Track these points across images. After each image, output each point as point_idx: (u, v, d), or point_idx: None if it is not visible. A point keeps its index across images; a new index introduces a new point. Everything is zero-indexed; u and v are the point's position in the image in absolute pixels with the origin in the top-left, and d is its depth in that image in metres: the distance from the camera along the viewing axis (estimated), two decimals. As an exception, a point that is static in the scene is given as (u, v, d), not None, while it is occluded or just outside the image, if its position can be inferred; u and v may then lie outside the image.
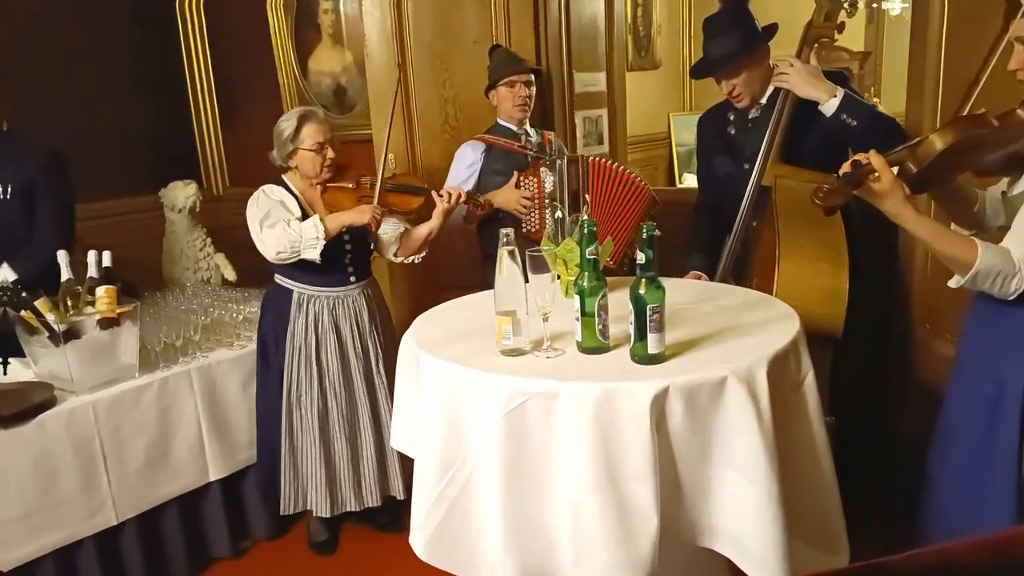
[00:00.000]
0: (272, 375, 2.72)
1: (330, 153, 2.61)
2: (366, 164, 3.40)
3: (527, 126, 2.97)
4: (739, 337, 1.73)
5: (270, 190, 2.62)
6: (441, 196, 2.64)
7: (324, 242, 2.48)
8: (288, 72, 4.06)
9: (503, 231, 1.70)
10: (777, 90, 2.42)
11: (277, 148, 2.63)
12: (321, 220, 2.51)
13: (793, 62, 2.34)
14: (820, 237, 2.22)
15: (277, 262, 2.55)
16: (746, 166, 2.47)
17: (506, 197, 2.81)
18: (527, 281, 1.72)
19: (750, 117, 2.52)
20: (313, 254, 2.49)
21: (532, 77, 2.93)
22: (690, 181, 5.55)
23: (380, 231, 2.69)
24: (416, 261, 2.79)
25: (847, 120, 2.24)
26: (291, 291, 2.68)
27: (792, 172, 2.36)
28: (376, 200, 2.61)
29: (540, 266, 1.71)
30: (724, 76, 2.45)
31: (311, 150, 2.58)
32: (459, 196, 2.64)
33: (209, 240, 3.77)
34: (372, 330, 2.74)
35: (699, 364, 1.59)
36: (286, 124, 2.59)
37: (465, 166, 2.93)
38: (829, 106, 2.27)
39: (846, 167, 1.75)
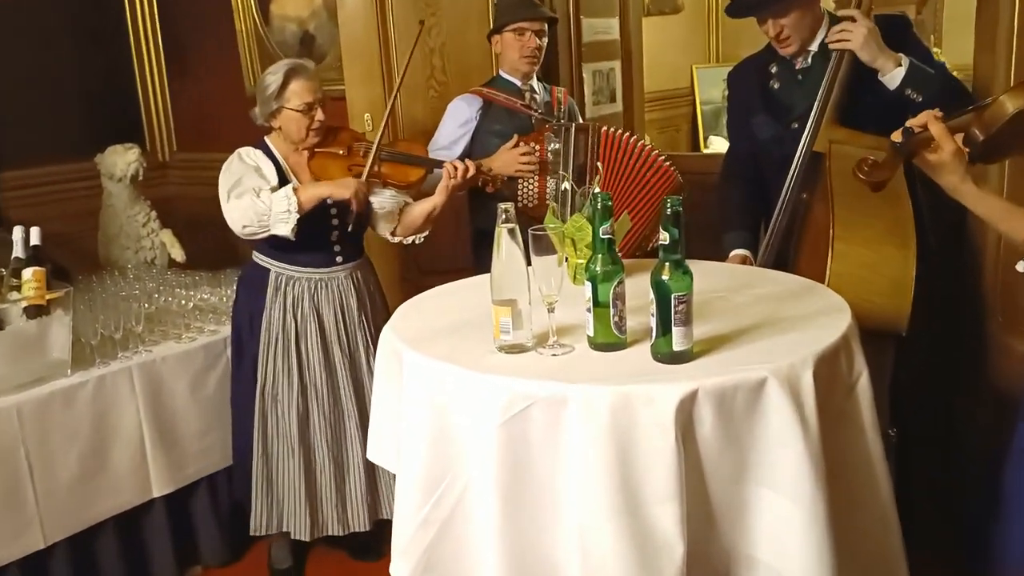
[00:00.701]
0: (245, 366, 2.73)
1: (319, 115, 2.61)
2: (339, 124, 3.38)
3: (533, 81, 2.95)
4: (781, 332, 1.72)
5: (246, 154, 2.62)
6: (448, 169, 2.64)
7: (297, 216, 2.47)
8: (246, 17, 4.04)
9: (502, 206, 1.68)
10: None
11: (260, 105, 2.63)
12: (295, 191, 2.50)
13: (857, 17, 2.31)
14: (884, 215, 2.20)
15: (245, 237, 2.56)
16: (794, 126, 2.45)
17: (503, 160, 2.79)
18: (529, 264, 1.70)
19: (798, 68, 2.50)
20: (284, 230, 2.49)
21: (546, 26, 2.91)
22: (718, 146, 5.53)
23: (377, 204, 2.70)
24: (417, 241, 2.80)
25: (911, 95, 2.24)
26: (268, 270, 2.69)
27: (850, 136, 2.34)
28: (367, 171, 2.61)
29: (545, 247, 1.69)
30: (771, 15, 2.41)
31: (297, 110, 2.58)
32: (466, 170, 2.64)
33: (154, 214, 3.74)
34: (361, 320, 2.74)
35: (733, 363, 1.58)
36: (271, 78, 2.59)
37: (458, 123, 2.91)
38: (892, 77, 2.26)
39: (897, 135, 1.73)
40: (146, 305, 2.96)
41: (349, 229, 2.66)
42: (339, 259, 2.71)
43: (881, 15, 2.36)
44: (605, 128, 2.76)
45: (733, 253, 2.53)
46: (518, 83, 2.91)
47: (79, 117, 4.03)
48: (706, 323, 1.75)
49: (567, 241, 2.00)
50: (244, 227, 2.50)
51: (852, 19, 2.32)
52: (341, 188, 2.55)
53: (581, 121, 3.01)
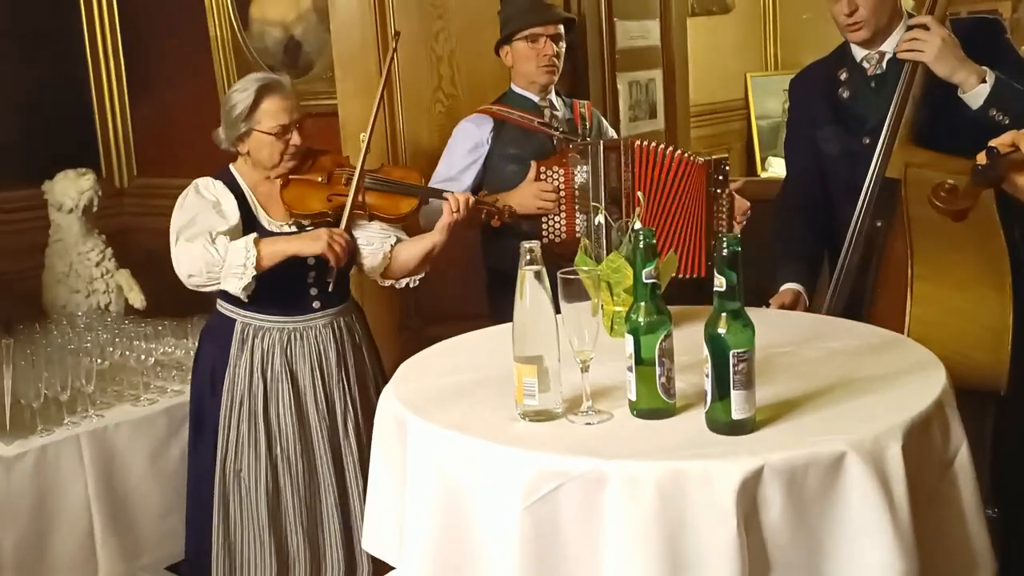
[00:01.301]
0: (207, 437, 2.73)
1: (295, 139, 2.64)
2: (329, 146, 3.41)
3: (552, 95, 2.98)
4: (861, 396, 1.72)
5: (205, 187, 2.65)
6: (450, 203, 2.66)
7: (254, 273, 2.48)
8: (222, 20, 4.10)
9: (526, 245, 1.69)
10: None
11: (225, 126, 2.67)
12: (256, 243, 2.51)
13: (931, 25, 2.34)
14: (975, 250, 2.21)
15: (192, 288, 2.57)
16: (866, 141, 2.49)
17: (522, 196, 2.81)
18: (558, 313, 1.71)
19: (871, 74, 2.53)
20: (235, 286, 2.50)
21: (562, 29, 2.94)
22: (778, 168, 5.55)
23: (363, 240, 2.72)
24: (412, 285, 2.82)
25: (997, 116, 2.26)
26: (232, 320, 2.70)
27: (931, 159, 2.36)
28: (350, 202, 2.62)
29: (576, 293, 1.70)
30: None
31: (270, 133, 2.62)
32: (467, 202, 2.66)
33: (109, 252, 3.78)
34: (341, 377, 2.74)
35: (805, 435, 1.58)
36: (239, 96, 2.63)
37: (465, 149, 2.95)
38: (974, 95, 2.28)
39: (981, 157, 1.76)
40: (99, 360, 2.97)
41: (330, 289, 2.68)
42: (317, 305, 2.72)
43: (969, 18, 2.38)
44: (639, 142, 2.77)
45: (783, 288, 2.55)
46: (535, 98, 2.95)
47: (22, 137, 4.06)
48: (771, 385, 1.75)
49: (602, 285, 2.00)
50: (190, 276, 2.53)
51: (924, 27, 2.34)
52: (311, 243, 2.55)
53: (612, 137, 3.03)
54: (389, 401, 1.88)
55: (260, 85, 2.63)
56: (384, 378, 2.86)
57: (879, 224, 2.44)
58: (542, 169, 2.81)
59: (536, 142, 2.91)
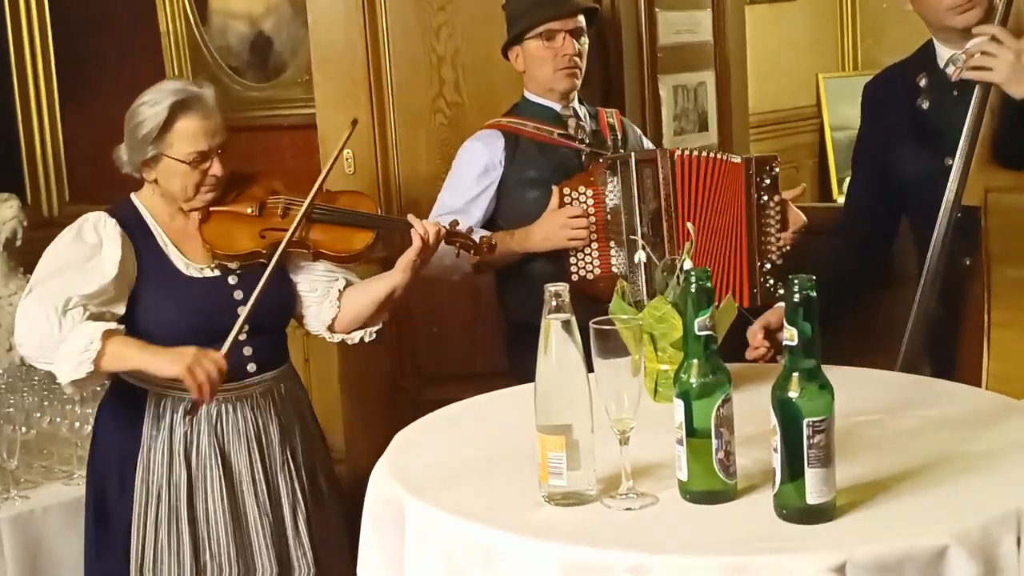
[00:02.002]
0: (114, 542, 2.68)
1: (215, 169, 2.62)
2: (300, 163, 3.42)
3: (576, 102, 3.01)
4: (965, 475, 1.72)
5: (95, 226, 2.61)
6: (415, 232, 2.64)
7: (90, 369, 2.41)
8: (175, 13, 4.15)
9: (552, 288, 1.70)
10: None
11: (128, 146, 2.65)
12: (106, 336, 2.42)
13: (1001, 36, 2.37)
14: None
15: (23, 357, 2.55)
16: (948, 162, 2.51)
17: (546, 229, 2.83)
18: (591, 371, 1.71)
19: (953, 79, 2.57)
20: (66, 374, 2.42)
21: (583, 22, 2.97)
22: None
23: (305, 286, 2.72)
24: (367, 339, 2.80)
25: None
26: (143, 391, 2.65)
27: (1018, 181, 2.40)
28: (287, 237, 2.60)
29: (613, 347, 1.70)
30: None
31: (183, 161, 2.60)
32: (437, 233, 2.66)
33: (36, 294, 3.78)
34: (286, 460, 2.73)
35: (897, 523, 1.58)
36: (149, 111, 2.59)
37: (474, 175, 2.98)
38: None
39: None
40: (23, 429, 2.97)
41: (191, 422, 2.62)
42: (252, 367, 2.69)
43: None
44: (680, 151, 2.79)
45: (778, 305, 2.55)
46: (556, 106, 2.98)
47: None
48: (855, 462, 1.75)
49: (645, 338, 1.99)
50: (19, 344, 2.50)
51: (993, 38, 2.38)
52: (168, 364, 2.45)
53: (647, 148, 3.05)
54: (382, 479, 1.88)
55: (175, 100, 2.59)
56: (329, 456, 2.88)
57: (967, 262, 2.48)
58: (566, 192, 2.82)
59: (558, 160, 2.95)
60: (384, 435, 2.17)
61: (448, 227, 2.70)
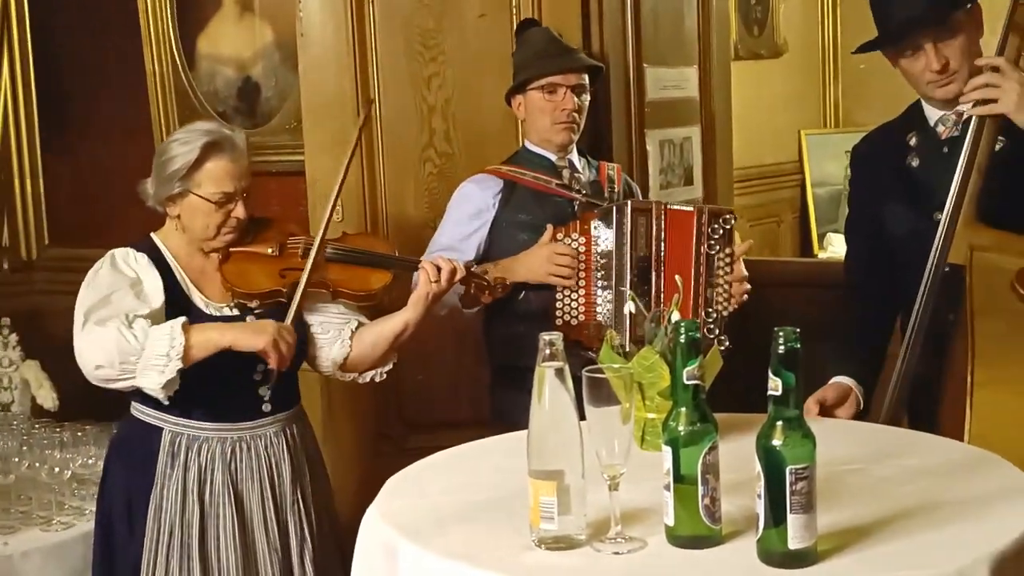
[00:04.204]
0: None
1: (239, 211, 2.68)
2: (290, 208, 3.45)
3: (574, 154, 3.09)
4: (943, 523, 1.76)
5: (124, 258, 2.66)
6: (426, 270, 2.69)
7: (179, 366, 2.46)
8: (163, 57, 4.18)
9: (546, 337, 1.74)
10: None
11: (155, 181, 2.69)
12: (184, 329, 2.49)
13: (1003, 67, 2.42)
14: None
15: (98, 383, 2.55)
16: (937, 217, 2.55)
17: (532, 261, 2.90)
18: (582, 419, 1.75)
19: (944, 137, 2.62)
20: (154, 382, 2.47)
21: (586, 79, 3.06)
22: (838, 246, 5.62)
23: (318, 326, 2.76)
24: (378, 379, 2.86)
25: None
26: (158, 429, 2.69)
27: (1001, 240, 2.43)
28: (305, 277, 2.66)
29: (605, 396, 1.74)
30: (933, 36, 2.50)
31: (210, 200, 2.65)
32: (453, 271, 2.71)
33: (14, 339, 3.84)
34: (296, 500, 2.76)
35: (876, 568, 1.61)
36: (180, 149, 2.65)
37: (467, 214, 3.04)
38: None
39: None
40: (1, 475, 3.01)
41: (267, 396, 2.70)
42: (267, 408, 2.74)
43: None
44: (670, 207, 2.88)
45: (831, 382, 2.60)
46: (552, 157, 3.05)
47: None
48: (836, 509, 1.78)
49: (633, 387, 1.99)
50: (98, 368, 2.50)
51: (996, 68, 2.43)
52: (252, 336, 2.55)
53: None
54: (375, 523, 1.89)
55: (208, 141, 2.65)
56: (332, 497, 2.91)
57: (951, 318, 2.49)
58: (560, 234, 2.89)
59: (552, 207, 3.01)
60: (369, 481, 2.19)
61: (467, 268, 2.76)
